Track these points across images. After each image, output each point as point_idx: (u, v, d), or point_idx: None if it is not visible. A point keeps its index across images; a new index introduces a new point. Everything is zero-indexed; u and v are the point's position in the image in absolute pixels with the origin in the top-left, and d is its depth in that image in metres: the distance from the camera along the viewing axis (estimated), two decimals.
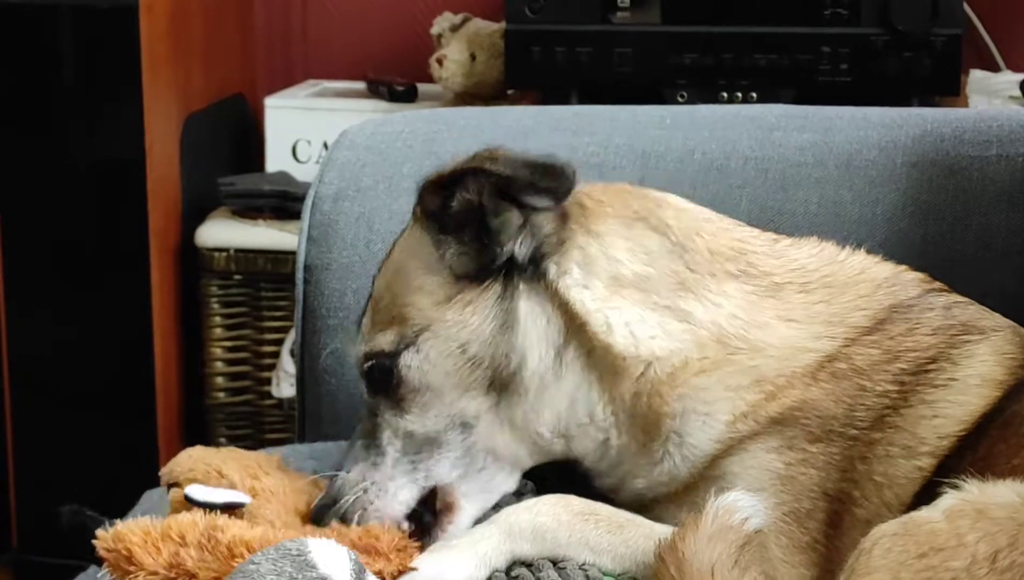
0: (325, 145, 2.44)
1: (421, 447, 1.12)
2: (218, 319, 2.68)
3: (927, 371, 1.11)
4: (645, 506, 1.15)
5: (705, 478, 1.12)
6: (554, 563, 1.07)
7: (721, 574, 1.01)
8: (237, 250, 2.63)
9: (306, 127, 2.73)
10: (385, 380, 1.12)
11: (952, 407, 1.09)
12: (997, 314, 1.18)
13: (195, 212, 2.72)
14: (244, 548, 1.04)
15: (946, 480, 1.02)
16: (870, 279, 1.18)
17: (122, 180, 2.62)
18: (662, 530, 1.08)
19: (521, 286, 1.12)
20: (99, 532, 1.05)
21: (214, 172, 2.77)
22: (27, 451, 2.74)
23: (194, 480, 1.14)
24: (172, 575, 1.04)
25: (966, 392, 1.10)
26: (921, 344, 1.12)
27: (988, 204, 1.48)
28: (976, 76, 2.64)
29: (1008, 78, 2.63)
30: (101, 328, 2.68)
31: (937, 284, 1.20)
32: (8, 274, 2.69)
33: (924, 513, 1.00)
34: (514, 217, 1.11)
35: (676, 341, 1.12)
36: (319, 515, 1.11)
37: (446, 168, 1.13)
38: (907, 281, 1.19)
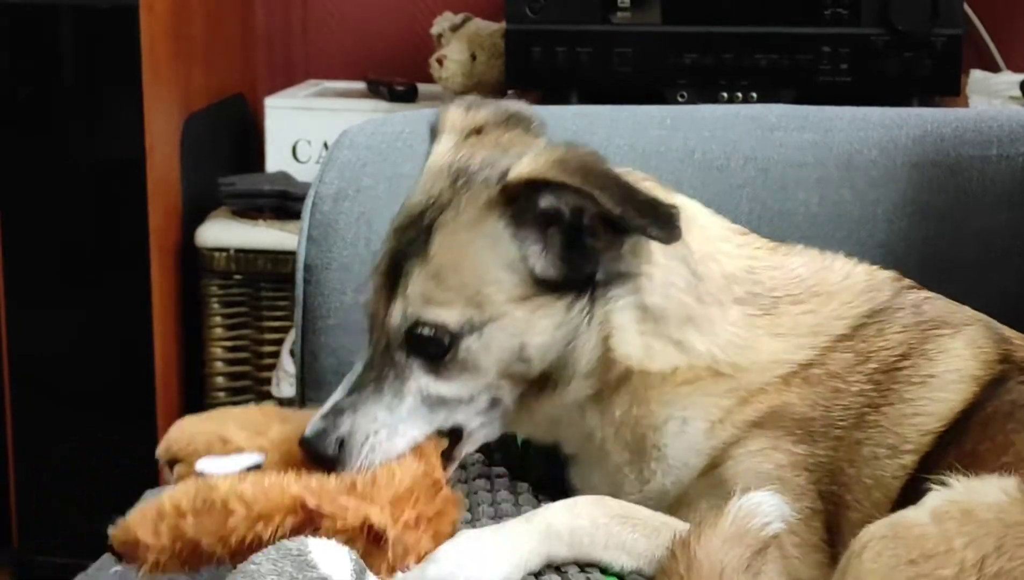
0: (325, 145, 2.45)
1: (446, 403, 1.13)
2: (218, 319, 2.68)
3: (900, 368, 1.12)
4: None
5: (701, 492, 1.13)
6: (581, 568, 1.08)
7: (733, 571, 1.01)
8: (237, 250, 2.64)
9: (306, 127, 2.73)
10: (434, 350, 1.11)
11: (932, 404, 1.11)
12: (967, 307, 1.19)
13: (195, 212, 2.73)
14: (238, 502, 1.05)
15: (931, 477, 1.03)
16: (851, 286, 1.19)
17: (122, 180, 2.62)
18: (669, 520, 1.10)
19: (587, 304, 1.12)
20: (110, 531, 1.05)
21: (214, 172, 2.77)
22: (27, 451, 2.74)
23: (196, 453, 1.14)
24: (177, 548, 1.05)
25: (944, 389, 1.11)
26: (891, 342, 1.14)
27: (989, 205, 1.49)
28: (976, 76, 2.64)
29: (1008, 78, 2.63)
30: (101, 328, 2.68)
31: (907, 281, 1.21)
32: (8, 274, 2.69)
33: (912, 514, 1.00)
34: (602, 244, 1.11)
35: (671, 362, 1.14)
36: (313, 443, 1.10)
37: (546, 172, 1.10)
38: (881, 282, 1.20)
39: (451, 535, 1.10)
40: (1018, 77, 2.58)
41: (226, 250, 2.64)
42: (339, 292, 1.51)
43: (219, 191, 2.71)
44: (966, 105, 2.43)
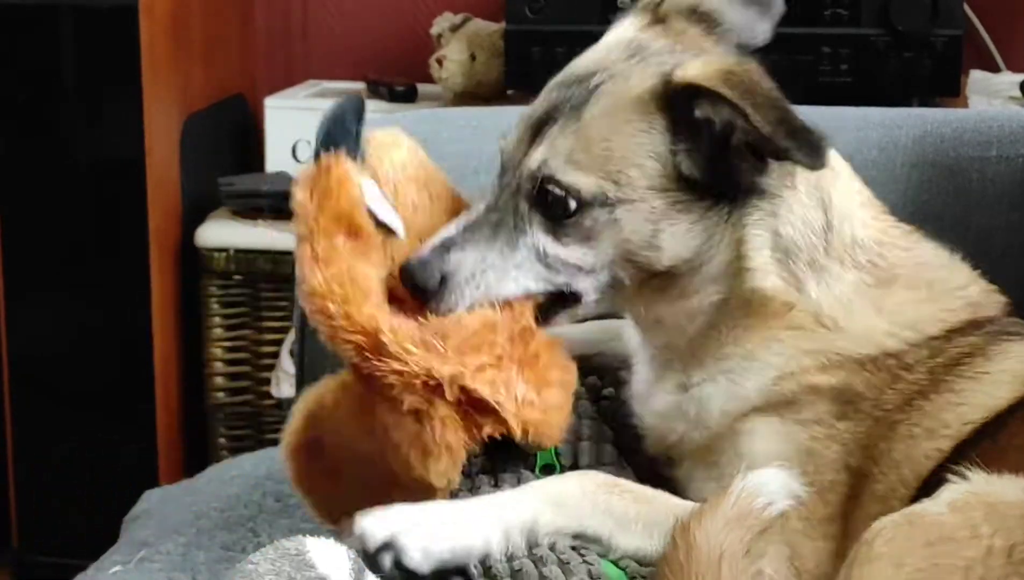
0: None
1: (563, 266, 1.13)
2: (218, 319, 2.68)
3: (960, 364, 1.13)
4: (673, 464, 1.18)
5: (732, 432, 1.14)
6: (559, 559, 1.06)
7: (729, 563, 1.01)
8: (237, 250, 2.64)
9: (306, 127, 2.71)
10: (559, 209, 1.11)
11: (979, 397, 1.11)
12: None
13: (195, 212, 2.72)
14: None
15: (952, 468, 1.04)
16: (964, 295, 1.19)
17: (122, 180, 2.62)
18: (685, 506, 1.09)
19: (727, 212, 1.13)
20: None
21: (214, 172, 2.77)
22: (27, 451, 2.74)
23: (379, 166, 1.21)
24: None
25: (994, 384, 1.12)
26: (964, 344, 1.15)
27: (988, 205, 1.49)
28: (976, 77, 2.64)
29: (1008, 79, 2.63)
30: (101, 328, 2.68)
31: (1012, 312, 1.22)
32: (8, 273, 2.69)
33: (926, 505, 1.01)
34: (747, 165, 1.12)
35: (790, 297, 1.14)
36: (413, 271, 1.12)
37: (708, 80, 1.10)
38: (992, 302, 1.21)
39: (558, 382, 1.15)
40: (1018, 77, 2.58)
41: (226, 250, 2.64)
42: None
43: (219, 191, 2.71)
44: (966, 105, 2.43)
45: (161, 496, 1.39)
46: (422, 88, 2.83)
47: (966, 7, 2.51)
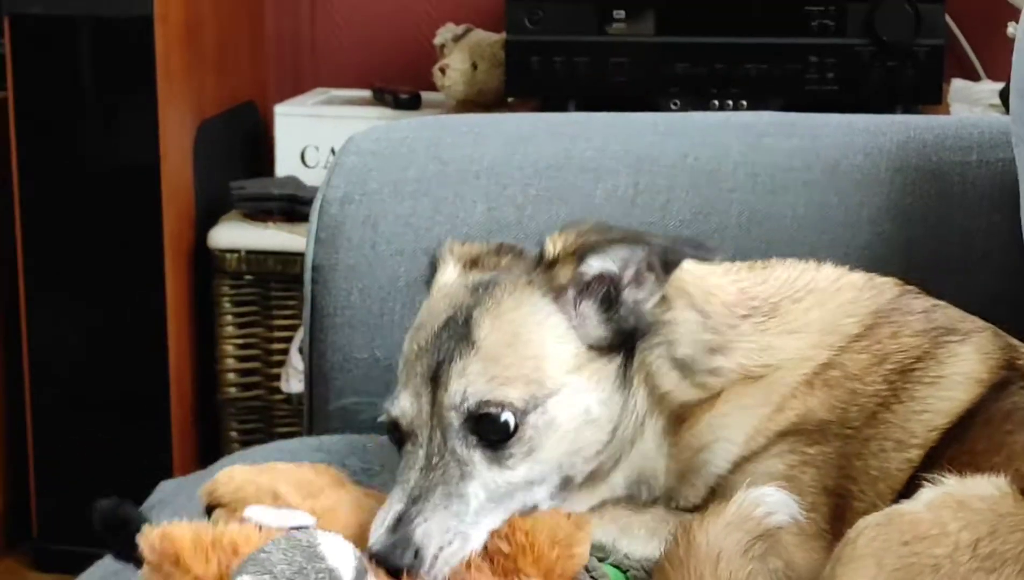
0: (332, 151, 2.42)
1: (515, 492, 1.08)
2: (230, 318, 2.68)
3: (913, 370, 1.12)
4: None
5: (720, 487, 1.13)
6: None
7: (727, 559, 1.01)
8: (248, 252, 2.64)
9: (314, 133, 2.73)
10: (500, 432, 1.06)
11: (940, 403, 1.10)
12: (974, 317, 1.18)
13: (208, 215, 2.73)
14: None
15: (926, 476, 1.03)
16: (849, 285, 1.18)
17: (138, 185, 2.62)
18: (683, 515, 1.10)
19: (631, 360, 1.11)
20: (145, 531, 1.00)
21: (226, 176, 2.77)
22: (45, 444, 2.74)
23: (244, 501, 1.09)
24: None
25: (952, 389, 1.11)
26: (905, 345, 1.13)
27: (969, 207, 1.48)
28: (957, 85, 2.63)
29: (988, 87, 2.63)
30: (117, 326, 2.69)
31: (911, 286, 1.20)
32: (28, 275, 2.69)
33: (906, 506, 1.01)
34: (644, 293, 1.11)
35: (710, 390, 1.13)
36: (385, 557, 1.03)
37: (588, 239, 1.09)
38: (882, 284, 1.19)
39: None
40: (997, 86, 2.56)
41: (237, 252, 2.64)
42: (346, 291, 1.50)
43: (231, 195, 2.71)
44: (948, 113, 2.43)
45: (175, 486, 1.40)
46: (426, 96, 2.83)
47: (947, 18, 2.51)
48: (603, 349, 1.10)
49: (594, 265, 1.09)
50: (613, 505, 1.13)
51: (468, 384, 1.05)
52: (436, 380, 1.07)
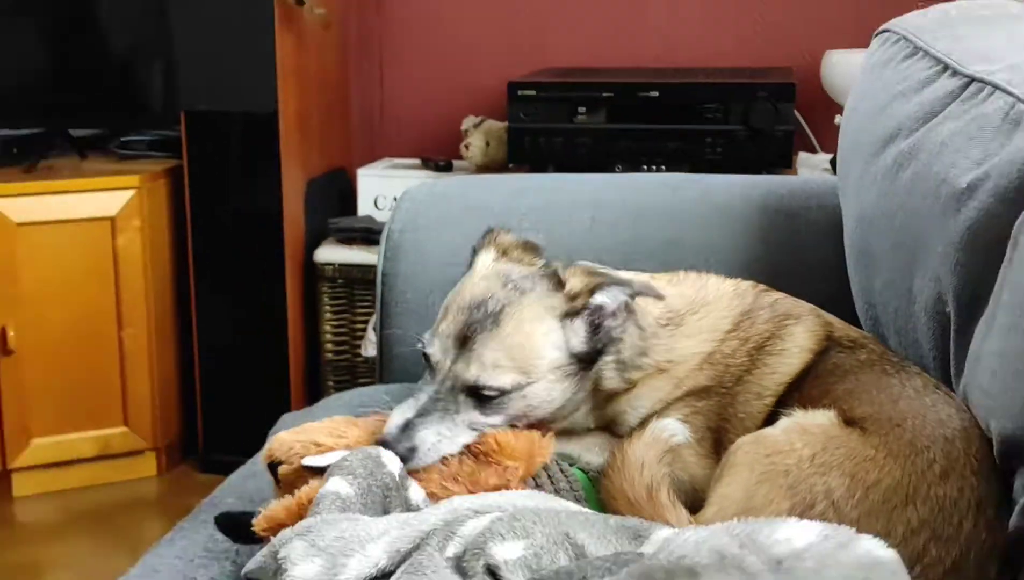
0: (394, 199, 2.43)
1: (484, 428, 1.07)
2: (328, 307, 2.68)
3: (764, 346, 1.11)
4: None
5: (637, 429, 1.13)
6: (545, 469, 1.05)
7: (648, 465, 1.02)
8: (339, 264, 2.64)
9: (383, 187, 2.74)
10: (488, 399, 1.05)
11: (783, 366, 1.10)
12: (804, 302, 1.18)
13: (313, 241, 2.72)
14: None
15: (782, 411, 1.04)
16: (724, 293, 1.16)
17: (268, 222, 2.62)
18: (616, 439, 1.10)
19: (594, 362, 1.09)
20: (255, 519, 0.96)
21: (325, 215, 2.77)
22: (208, 390, 2.76)
23: (297, 455, 1.05)
24: None
25: (791, 356, 1.10)
26: (759, 330, 1.13)
27: (810, 236, 1.48)
28: (802, 156, 2.65)
29: (822, 158, 2.63)
30: (255, 313, 2.69)
31: (762, 286, 1.19)
32: (198, 281, 2.70)
33: (768, 430, 1.01)
34: (620, 323, 1.09)
35: (633, 380, 1.12)
36: (392, 445, 1.03)
37: (597, 280, 1.08)
38: (745, 289, 1.18)
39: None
40: (828, 157, 2.58)
41: (332, 265, 2.64)
42: (403, 291, 1.50)
43: (328, 227, 2.71)
44: (796, 174, 2.44)
45: (292, 417, 1.39)
46: (456, 163, 2.83)
47: (796, 112, 2.52)
48: (578, 358, 1.08)
49: (598, 300, 1.07)
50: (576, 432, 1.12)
51: (481, 372, 1.04)
52: (463, 343, 1.05)
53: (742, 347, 1.12)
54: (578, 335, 1.07)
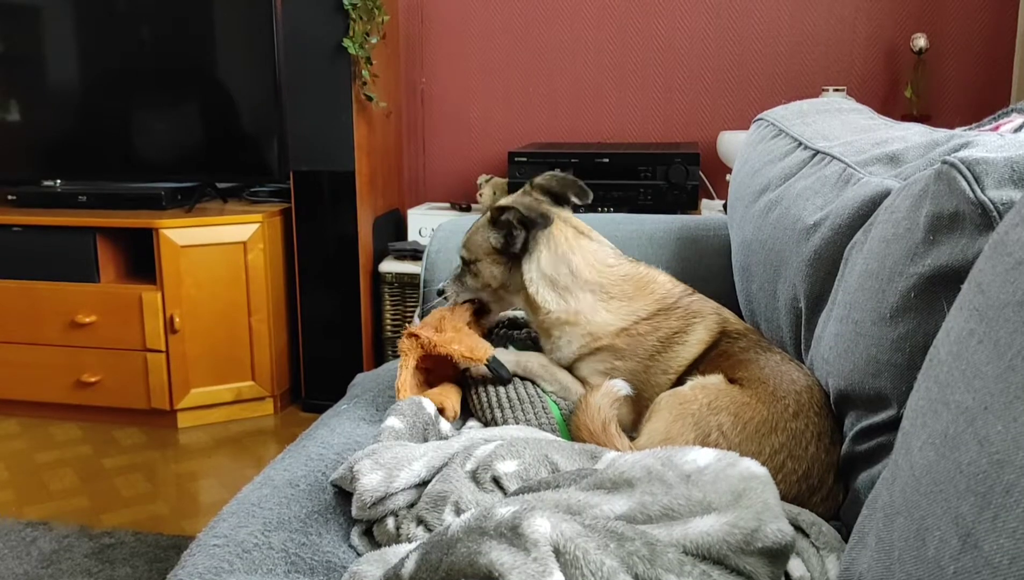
0: (432, 229, 2.43)
1: (476, 290, 1.14)
2: (388, 302, 2.65)
3: (672, 338, 1.08)
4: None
5: (576, 362, 1.10)
6: (527, 396, 1.04)
7: (603, 409, 1.00)
8: (396, 273, 2.61)
9: (425, 221, 2.72)
10: (466, 267, 1.13)
11: (685, 353, 1.07)
12: (711, 302, 1.14)
13: (378, 257, 2.69)
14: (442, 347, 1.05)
15: (688, 376, 1.02)
16: (655, 290, 1.12)
17: (348, 245, 2.60)
18: (575, 381, 1.08)
19: (517, 260, 1.11)
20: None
21: (386, 240, 2.75)
22: (309, 357, 2.72)
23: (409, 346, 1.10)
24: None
25: (692, 346, 1.08)
26: (671, 326, 1.09)
27: (711, 255, 1.46)
28: (705, 202, 2.62)
29: (718, 202, 2.61)
30: (341, 305, 2.65)
31: (690, 290, 1.15)
32: (302, 283, 2.66)
33: (680, 388, 1.00)
34: (520, 234, 1.10)
35: (561, 308, 1.09)
36: (438, 292, 1.16)
37: (502, 202, 1.12)
38: (676, 292, 1.13)
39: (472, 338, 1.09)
40: (722, 202, 2.57)
41: (391, 273, 2.61)
42: (437, 291, 1.50)
43: (388, 248, 2.68)
44: (701, 214, 2.42)
45: (363, 378, 1.38)
46: (474, 206, 2.80)
47: (700, 173, 2.51)
48: (502, 252, 1.11)
49: (505, 215, 1.09)
50: (545, 363, 1.09)
51: (463, 252, 1.13)
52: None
53: (653, 334, 1.08)
54: (496, 236, 1.11)
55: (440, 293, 1.17)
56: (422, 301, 1.53)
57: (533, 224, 1.08)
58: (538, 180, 1.19)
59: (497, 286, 1.11)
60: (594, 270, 1.10)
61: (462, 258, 1.13)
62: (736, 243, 1.35)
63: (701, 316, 1.11)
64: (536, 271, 1.10)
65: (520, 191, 1.20)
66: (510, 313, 1.22)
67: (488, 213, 1.12)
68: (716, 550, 0.62)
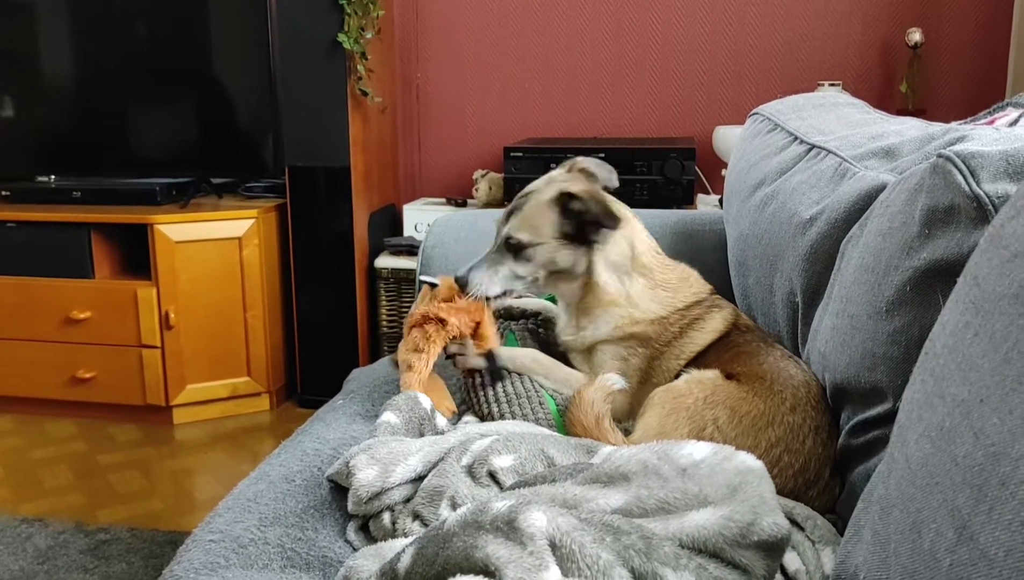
0: (428, 225, 2.43)
1: (516, 276, 1.08)
2: (383, 297, 2.64)
3: (692, 325, 1.09)
4: (569, 356, 1.13)
5: (595, 348, 1.10)
6: (522, 389, 1.04)
7: (597, 402, 1.00)
8: (391, 268, 2.60)
9: (421, 217, 2.71)
10: (516, 250, 1.07)
11: (699, 340, 1.08)
12: (730, 303, 1.16)
13: (374, 253, 2.68)
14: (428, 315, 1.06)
15: (686, 369, 1.03)
16: (690, 287, 1.13)
17: (343, 240, 2.59)
18: (576, 374, 1.08)
19: (585, 248, 1.08)
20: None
21: (382, 236, 2.74)
22: (304, 351, 2.71)
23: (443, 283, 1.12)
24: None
25: (706, 334, 1.08)
26: (695, 313, 1.10)
27: (707, 250, 1.47)
28: (701, 197, 2.62)
29: (714, 197, 2.61)
30: (337, 300, 2.64)
31: (716, 295, 1.16)
32: (297, 279, 2.65)
33: (675, 382, 1.00)
34: (591, 226, 1.08)
35: (618, 291, 1.09)
36: (459, 280, 1.08)
37: (573, 189, 1.07)
38: (705, 290, 1.14)
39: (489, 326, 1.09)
40: (718, 197, 2.56)
41: (387, 269, 2.60)
42: (429, 284, 1.50)
43: (384, 244, 2.67)
44: (696, 209, 2.41)
45: (358, 373, 1.38)
46: (469, 201, 2.79)
47: (696, 168, 2.51)
48: (571, 238, 1.07)
49: (575, 205, 1.06)
50: (540, 360, 1.09)
51: (511, 229, 1.07)
52: (510, 214, 1.08)
53: (680, 321, 1.09)
54: (567, 223, 1.07)
55: (430, 284, 1.15)
56: (417, 297, 1.53)
57: (610, 220, 1.06)
58: (581, 163, 1.18)
59: (560, 269, 1.07)
60: (650, 256, 1.10)
61: (518, 241, 1.05)
62: (732, 238, 1.35)
63: (719, 308, 1.12)
64: (606, 257, 1.07)
65: (565, 167, 1.18)
66: (507, 301, 1.20)
67: (547, 195, 1.09)
68: (712, 543, 0.62)
